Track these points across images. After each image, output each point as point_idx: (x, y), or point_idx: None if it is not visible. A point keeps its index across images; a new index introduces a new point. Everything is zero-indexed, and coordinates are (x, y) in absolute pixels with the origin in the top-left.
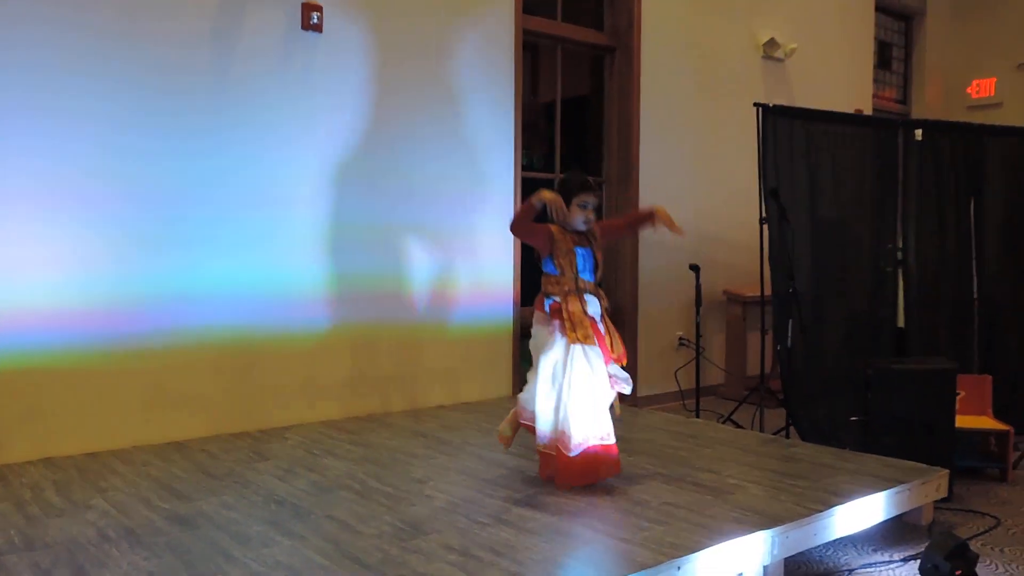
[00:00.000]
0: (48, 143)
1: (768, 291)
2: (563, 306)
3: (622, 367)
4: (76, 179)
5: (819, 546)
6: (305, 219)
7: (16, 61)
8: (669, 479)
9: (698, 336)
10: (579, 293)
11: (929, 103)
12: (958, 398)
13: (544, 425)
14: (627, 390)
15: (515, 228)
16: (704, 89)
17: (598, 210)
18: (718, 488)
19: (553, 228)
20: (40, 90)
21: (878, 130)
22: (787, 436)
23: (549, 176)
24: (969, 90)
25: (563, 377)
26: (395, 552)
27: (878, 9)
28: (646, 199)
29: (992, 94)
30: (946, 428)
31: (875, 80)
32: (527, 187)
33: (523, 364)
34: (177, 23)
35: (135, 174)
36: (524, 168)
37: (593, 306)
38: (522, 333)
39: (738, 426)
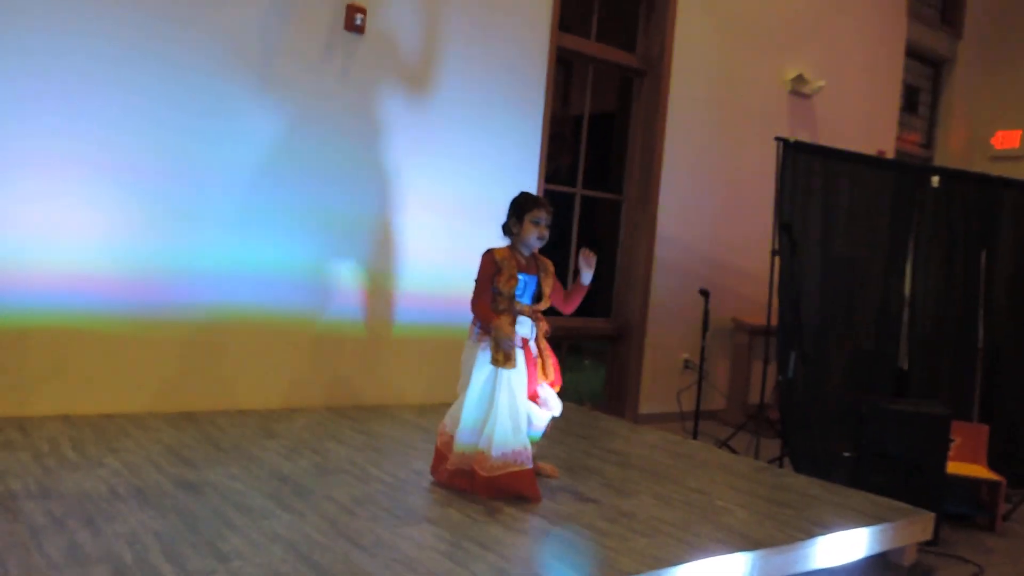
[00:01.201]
0: (102, 112)
1: (774, 322)
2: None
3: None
4: (125, 149)
5: (800, 575)
6: (331, 210)
7: (80, 31)
8: (659, 495)
9: (702, 360)
10: (513, 315)
11: (952, 150)
12: (953, 445)
13: (464, 443)
14: (554, 414)
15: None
16: (729, 119)
17: (612, 231)
18: (706, 508)
19: (498, 254)
20: (100, 61)
21: (896, 174)
22: (780, 466)
23: (571, 190)
24: (993, 140)
25: (490, 396)
26: (388, 536)
27: (908, 54)
28: (664, 221)
29: (1016, 146)
30: (936, 472)
31: (900, 123)
32: (549, 198)
33: None
34: (231, 12)
35: (179, 150)
36: (548, 179)
37: (524, 328)
38: None
39: (733, 451)
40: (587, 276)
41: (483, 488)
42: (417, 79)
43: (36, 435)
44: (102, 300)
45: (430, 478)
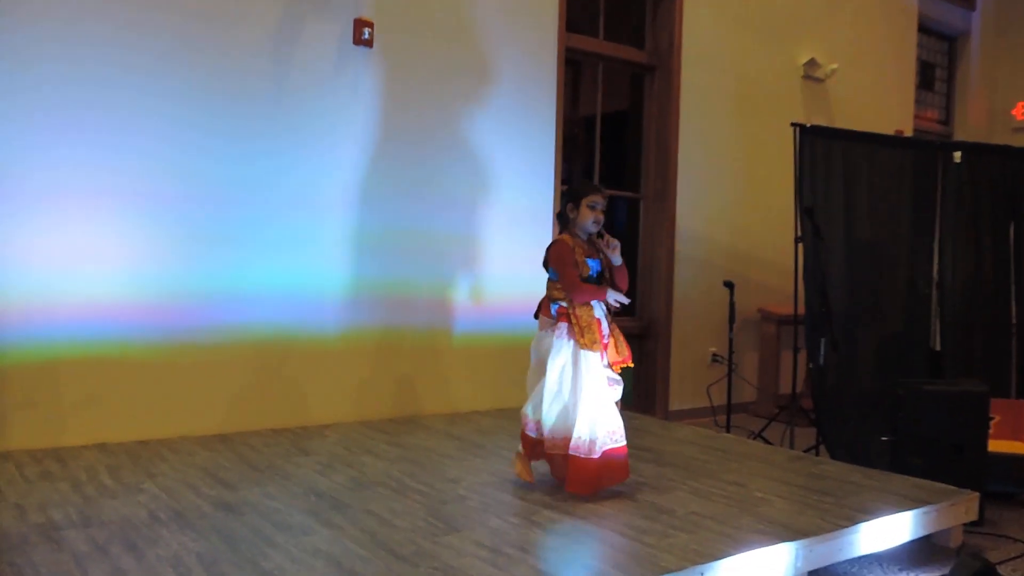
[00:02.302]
0: (122, 140)
1: (802, 310)
2: (570, 311)
3: (625, 368)
4: (145, 175)
5: (844, 562)
6: (349, 224)
7: (93, 60)
8: (696, 490)
9: (731, 352)
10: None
11: (972, 125)
12: (993, 422)
13: (552, 428)
14: (617, 394)
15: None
16: (743, 108)
17: (634, 221)
18: (744, 500)
19: (568, 240)
20: (114, 88)
21: (916, 152)
22: (816, 454)
23: None
24: (1014, 112)
25: (572, 382)
26: (428, 546)
27: (921, 30)
28: (683, 215)
29: None
30: (978, 451)
31: (917, 101)
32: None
33: None
34: (241, 32)
35: (197, 173)
36: (563, 181)
37: (599, 309)
38: None
39: (768, 442)
40: (616, 259)
41: (585, 475)
42: (427, 90)
43: (73, 465)
44: (130, 327)
45: (465, 487)
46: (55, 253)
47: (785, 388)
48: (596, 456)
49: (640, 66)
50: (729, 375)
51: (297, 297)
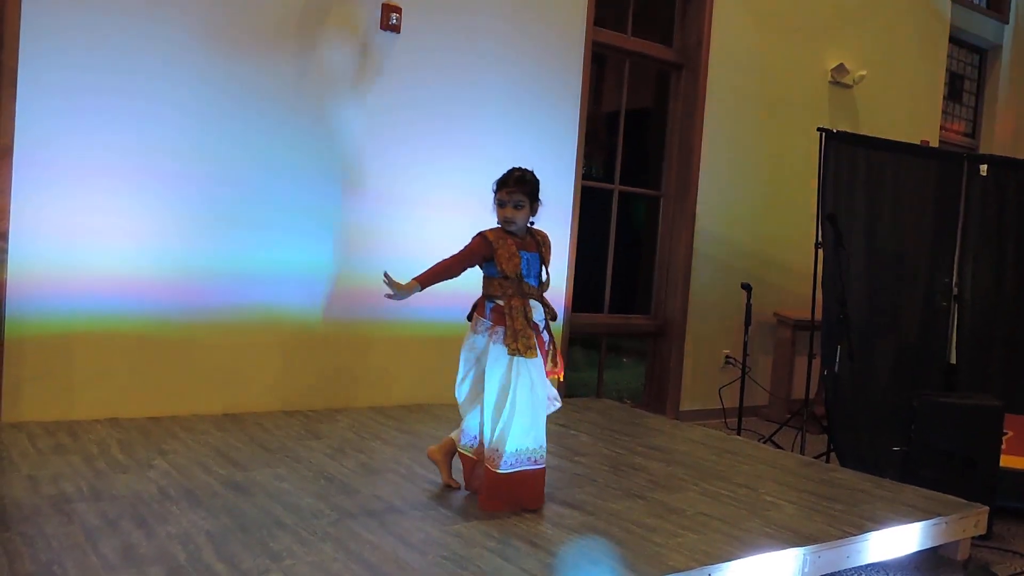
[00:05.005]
0: (134, 123)
1: (819, 316)
2: (506, 312)
3: (558, 381)
4: (166, 155)
5: (851, 569)
6: (369, 210)
7: (108, 45)
8: (706, 491)
9: (745, 355)
10: (523, 298)
11: (998, 139)
12: (1006, 437)
13: (483, 435)
14: (555, 408)
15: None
16: (769, 111)
17: (653, 219)
18: (754, 503)
19: (490, 235)
20: (129, 73)
21: (942, 163)
22: (827, 461)
23: (608, 186)
24: None
25: (508, 392)
26: (437, 534)
27: (952, 40)
28: (703, 216)
29: None
30: (989, 466)
31: (944, 112)
32: (586, 195)
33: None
34: (264, 15)
35: (217, 154)
36: (584, 177)
37: (538, 313)
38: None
39: (778, 447)
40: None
41: (490, 489)
42: (452, 78)
43: (86, 438)
44: (146, 304)
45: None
46: (77, 228)
47: (798, 394)
48: (504, 472)
49: (667, 63)
50: (743, 378)
51: (316, 279)
